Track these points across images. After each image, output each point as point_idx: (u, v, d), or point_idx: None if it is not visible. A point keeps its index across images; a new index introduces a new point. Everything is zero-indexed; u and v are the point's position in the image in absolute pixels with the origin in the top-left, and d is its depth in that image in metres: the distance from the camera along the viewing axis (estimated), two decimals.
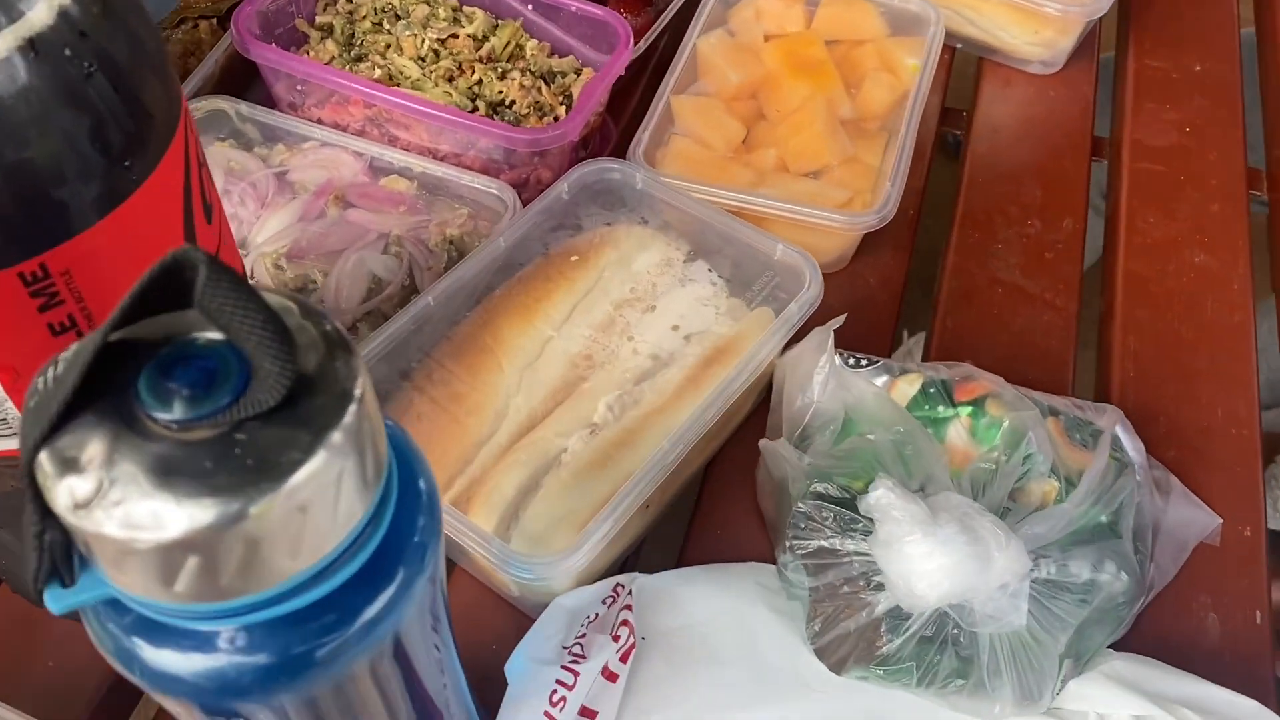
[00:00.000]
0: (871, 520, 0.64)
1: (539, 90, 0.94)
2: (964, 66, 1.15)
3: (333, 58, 0.95)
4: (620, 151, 1.03)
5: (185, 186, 0.50)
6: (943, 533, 0.61)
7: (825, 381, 0.72)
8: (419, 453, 0.39)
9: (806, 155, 0.94)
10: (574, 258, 0.79)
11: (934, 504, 0.64)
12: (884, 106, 0.99)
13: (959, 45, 1.13)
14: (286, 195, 0.88)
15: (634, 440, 0.70)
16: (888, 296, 0.92)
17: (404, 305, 0.81)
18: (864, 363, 0.76)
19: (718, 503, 0.77)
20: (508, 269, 0.79)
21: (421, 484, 0.38)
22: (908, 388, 0.75)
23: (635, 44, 0.94)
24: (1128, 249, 0.96)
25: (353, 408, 0.32)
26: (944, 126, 1.11)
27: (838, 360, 0.76)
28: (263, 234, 0.85)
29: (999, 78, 1.11)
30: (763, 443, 0.73)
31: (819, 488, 0.67)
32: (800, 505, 0.66)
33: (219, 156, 0.90)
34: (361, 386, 0.32)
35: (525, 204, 0.91)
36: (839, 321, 0.75)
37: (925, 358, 0.89)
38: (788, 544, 0.66)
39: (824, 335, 0.74)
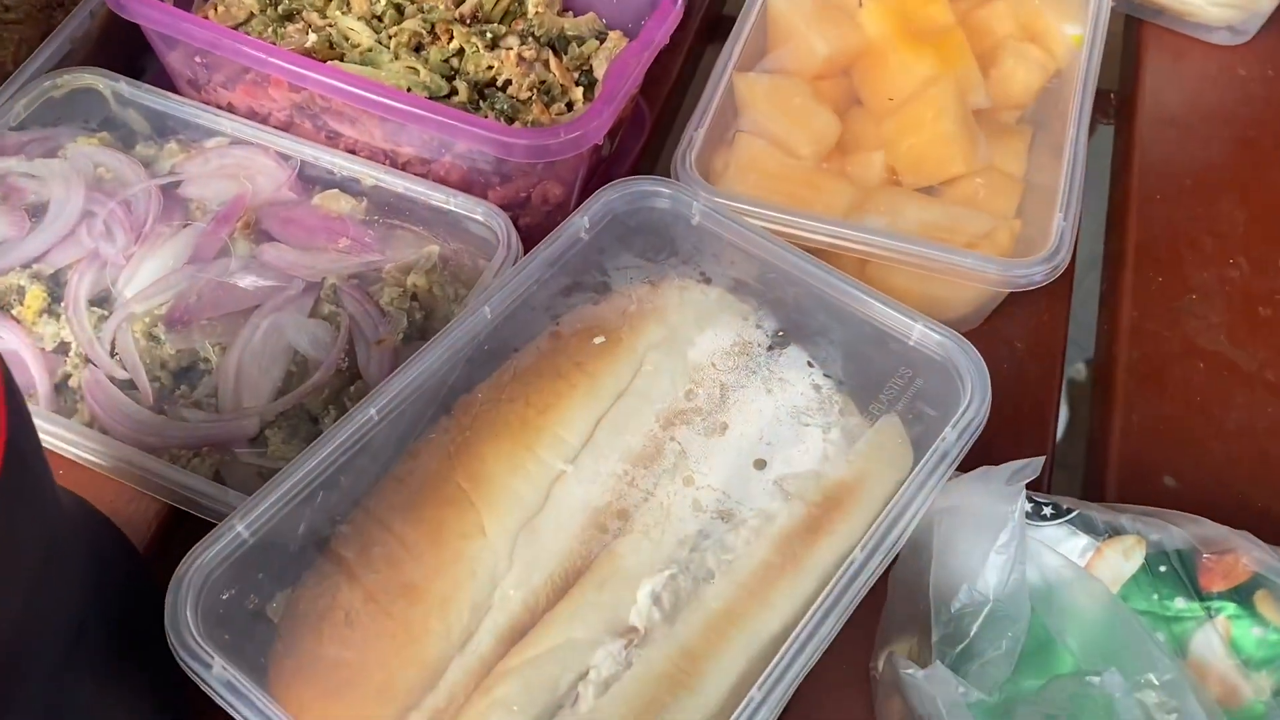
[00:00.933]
0: None
1: (545, 64, 0.66)
2: (1113, 27, 0.86)
3: (251, 15, 0.66)
4: (658, 150, 0.75)
5: None
6: None
7: (1009, 564, 0.45)
8: None
9: (928, 164, 0.66)
10: (598, 339, 0.51)
11: None
12: (1029, 91, 0.71)
13: (1113, 3, 0.83)
14: (176, 218, 0.60)
15: (698, 667, 0.43)
16: (1042, 370, 0.65)
17: (338, 399, 0.54)
18: (1048, 512, 0.49)
19: None
20: (495, 355, 0.51)
21: None
22: (1122, 562, 0.48)
23: None
24: None
25: None
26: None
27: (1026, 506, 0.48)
28: (134, 283, 0.57)
29: (1167, 49, 0.82)
30: (895, 659, 0.45)
31: None
32: None
33: (82, 161, 0.62)
34: None
35: (525, 235, 0.63)
36: (1036, 467, 0.47)
37: (1099, 468, 0.62)
38: None
39: (1011, 487, 0.46)
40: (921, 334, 0.51)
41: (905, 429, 0.51)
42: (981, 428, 0.49)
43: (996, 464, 0.55)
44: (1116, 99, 0.83)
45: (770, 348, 0.52)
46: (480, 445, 0.47)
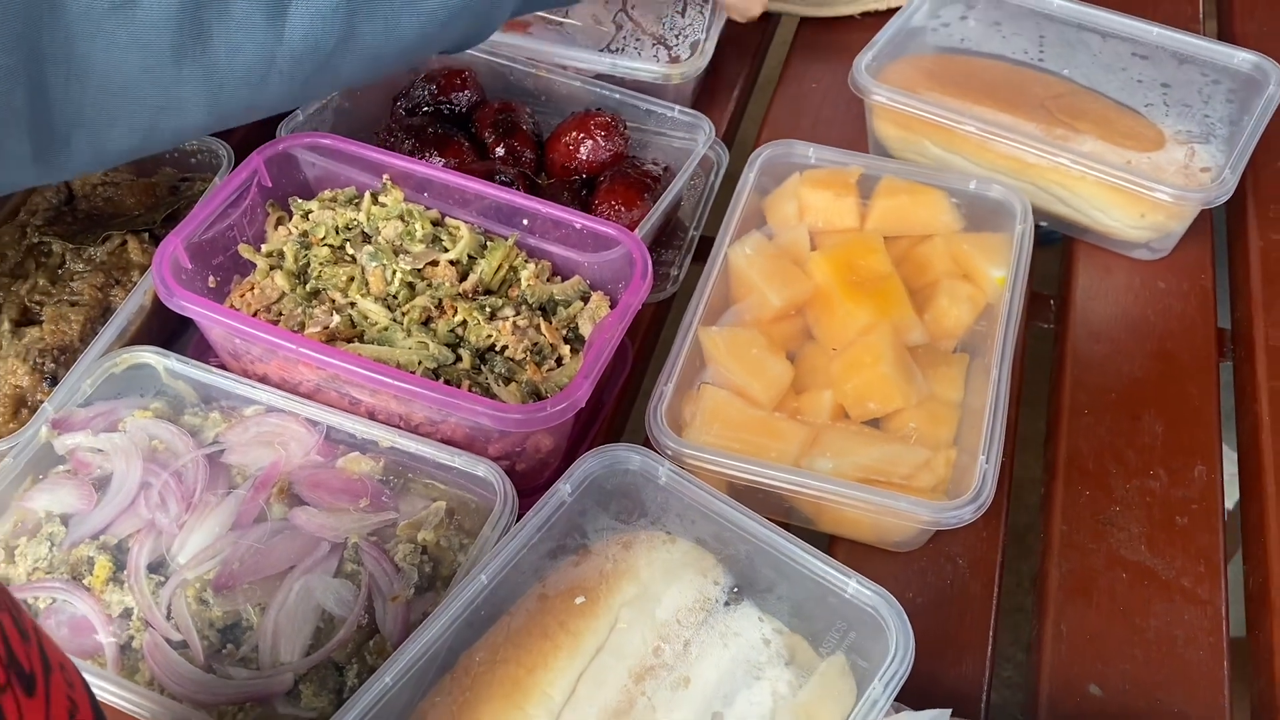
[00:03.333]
0: None
1: (537, 328, 0.76)
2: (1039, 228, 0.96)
3: (283, 294, 0.77)
4: (638, 384, 0.85)
5: None
6: None
7: None
8: None
9: (871, 400, 0.75)
10: (579, 599, 0.60)
11: None
12: (962, 325, 0.80)
13: (1044, 224, 0.94)
14: (220, 487, 0.70)
15: None
16: (981, 586, 0.73)
17: (360, 652, 0.63)
18: None
19: None
20: (491, 615, 0.60)
21: None
22: None
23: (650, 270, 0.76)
24: (1279, 505, 0.76)
25: None
26: (1030, 320, 0.91)
27: None
28: (186, 550, 0.67)
29: (1096, 263, 0.92)
30: None
31: None
32: None
33: (139, 435, 0.72)
34: None
35: (520, 475, 0.73)
36: (944, 718, 0.55)
37: (1034, 678, 0.69)
38: None
39: None
40: (855, 589, 0.60)
41: (845, 664, 0.59)
42: (905, 674, 0.57)
43: (946, 675, 0.64)
44: (1055, 304, 0.92)
45: (726, 603, 0.61)
46: (479, 706, 0.56)
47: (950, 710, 0.55)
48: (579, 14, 1.00)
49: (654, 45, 0.98)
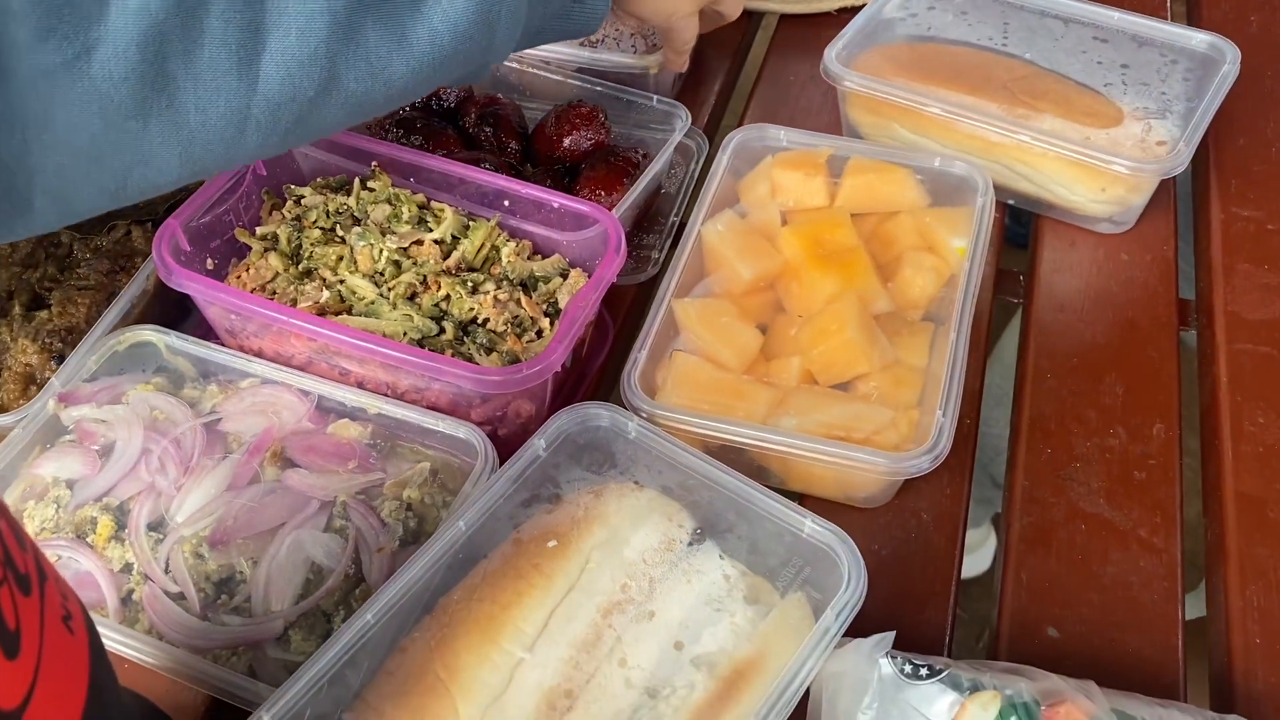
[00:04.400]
0: None
1: (517, 302, 0.80)
2: (1019, 215, 0.99)
3: (276, 274, 0.81)
4: (620, 361, 0.89)
5: None
6: None
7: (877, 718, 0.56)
8: None
9: (837, 365, 0.78)
10: (551, 543, 0.63)
11: None
12: (926, 295, 0.83)
13: (1011, 201, 0.97)
14: (216, 453, 0.74)
15: None
16: (945, 538, 0.76)
17: (346, 600, 0.67)
18: (924, 671, 0.60)
19: None
20: (468, 560, 0.64)
21: None
22: (981, 714, 0.58)
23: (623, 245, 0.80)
24: (1235, 461, 0.79)
25: None
26: (999, 294, 0.95)
27: (890, 669, 0.59)
28: (183, 510, 0.70)
29: (1061, 238, 0.95)
30: None
31: None
32: None
33: (141, 406, 0.76)
34: None
35: (502, 440, 0.76)
36: (888, 642, 0.58)
37: (997, 622, 0.72)
38: None
39: (874, 656, 0.57)
40: (811, 528, 0.63)
41: (803, 600, 0.62)
42: (858, 605, 0.60)
43: (908, 622, 0.67)
44: (1025, 280, 0.96)
45: (690, 544, 0.64)
46: (455, 641, 0.59)
47: (894, 633, 0.58)
48: None
49: (632, 36, 1.02)
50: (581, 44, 1.02)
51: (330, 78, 0.59)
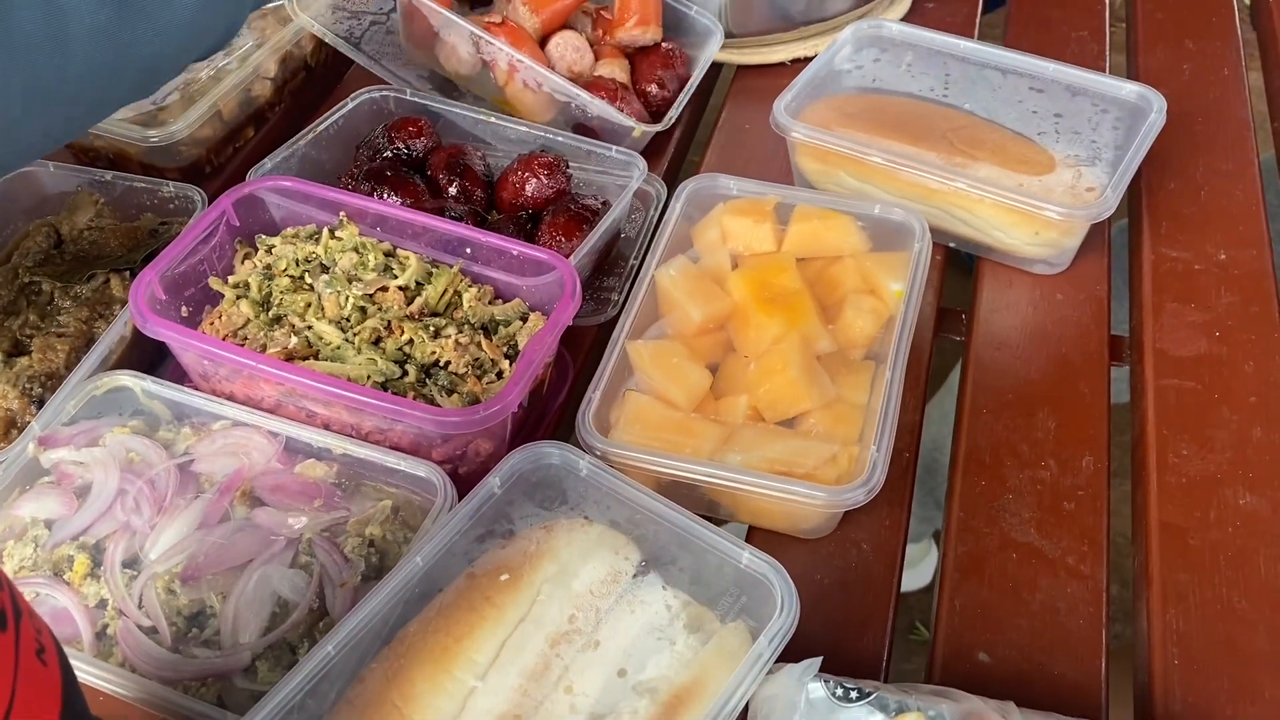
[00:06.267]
0: None
1: (479, 345, 0.84)
2: (960, 256, 1.04)
3: (248, 320, 0.85)
4: (578, 394, 0.93)
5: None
6: None
7: None
8: None
9: (781, 403, 0.82)
10: (504, 576, 0.67)
11: None
12: (866, 335, 0.88)
13: (952, 244, 1.02)
14: (189, 492, 0.78)
15: None
16: (884, 566, 0.80)
17: (311, 633, 0.70)
18: (854, 694, 0.64)
19: None
20: (425, 594, 0.68)
21: None
22: None
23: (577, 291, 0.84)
24: (1160, 491, 0.83)
25: None
26: (941, 333, 0.99)
27: (823, 692, 0.63)
28: (157, 547, 0.74)
29: (999, 279, 1.00)
30: None
31: None
32: None
33: (117, 448, 0.79)
34: None
35: (463, 478, 0.80)
36: (814, 667, 0.62)
37: (931, 647, 0.76)
38: None
39: (803, 680, 0.61)
40: (749, 560, 0.67)
41: (742, 627, 0.66)
42: (790, 632, 0.63)
43: (848, 647, 0.71)
44: (965, 318, 1.00)
45: (635, 575, 0.68)
46: (411, 670, 0.63)
47: (821, 658, 0.62)
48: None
49: (622, 94, 1.07)
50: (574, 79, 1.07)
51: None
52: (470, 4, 1.16)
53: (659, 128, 1.06)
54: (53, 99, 0.57)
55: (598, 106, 1.05)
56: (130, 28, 0.60)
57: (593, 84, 1.08)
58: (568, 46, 1.09)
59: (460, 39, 1.08)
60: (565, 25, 1.12)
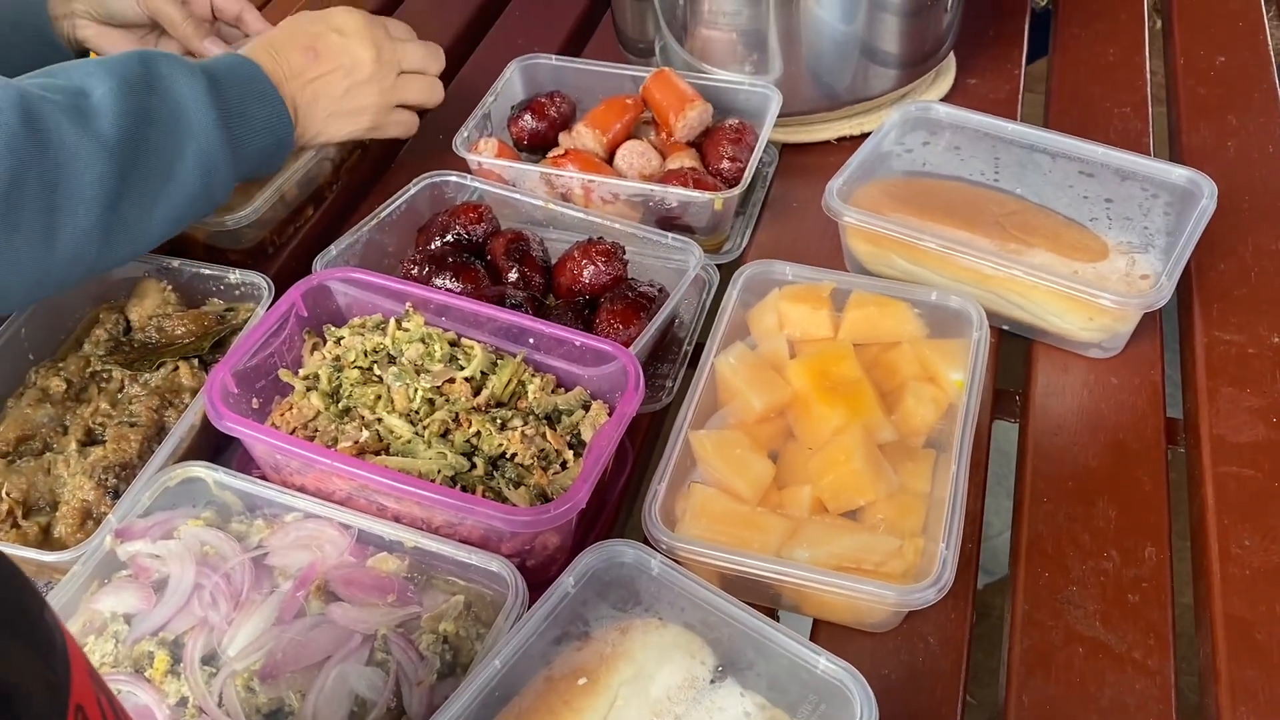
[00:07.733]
0: None
1: (543, 436, 0.85)
2: (1013, 340, 1.05)
3: (318, 413, 0.87)
4: (638, 484, 0.94)
5: None
6: None
7: None
8: None
9: (845, 494, 0.83)
10: (581, 680, 0.68)
11: None
12: (927, 424, 0.89)
13: (1006, 328, 1.03)
14: (264, 587, 0.79)
15: None
16: (950, 663, 0.80)
17: None
18: None
19: None
20: (503, 698, 0.68)
21: None
22: None
23: (640, 382, 0.85)
24: (1224, 584, 0.83)
25: None
26: (997, 415, 1.00)
27: None
28: (235, 644, 0.75)
29: (1054, 363, 1.01)
30: None
31: None
32: None
33: (192, 541, 0.81)
34: None
35: (530, 570, 0.81)
36: None
37: None
38: None
39: None
40: (825, 666, 0.67)
41: None
42: None
43: None
44: (1020, 401, 1.01)
45: (712, 680, 0.69)
46: None
47: None
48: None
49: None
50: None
51: (104, 242, 0.86)
52: (538, 153, 1.20)
53: (737, 191, 1.07)
54: (43, 285, 0.87)
55: (673, 192, 1.07)
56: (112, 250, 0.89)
57: (665, 178, 1.10)
58: (633, 154, 1.13)
59: (535, 183, 1.12)
60: (629, 136, 1.16)
